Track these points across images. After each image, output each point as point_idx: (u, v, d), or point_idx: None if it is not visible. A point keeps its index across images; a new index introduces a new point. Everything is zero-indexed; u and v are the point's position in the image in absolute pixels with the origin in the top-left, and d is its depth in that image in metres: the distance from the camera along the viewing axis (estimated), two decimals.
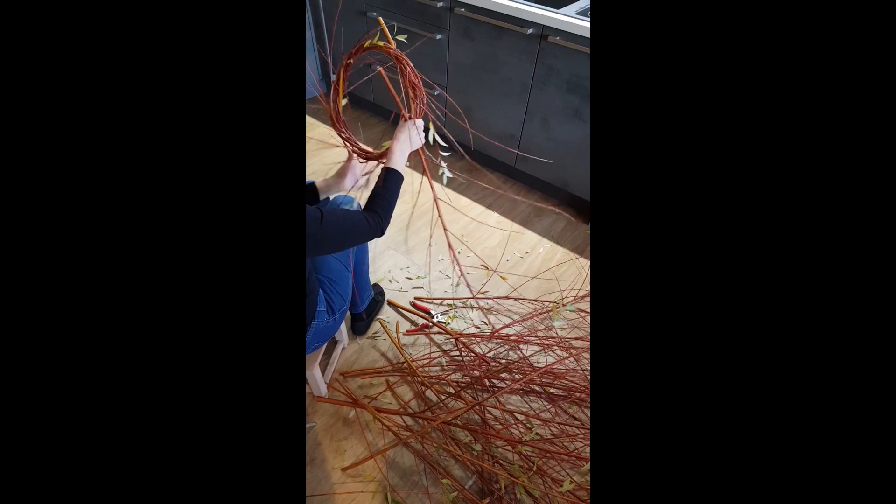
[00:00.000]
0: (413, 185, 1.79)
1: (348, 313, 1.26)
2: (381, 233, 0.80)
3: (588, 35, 1.25)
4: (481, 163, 1.92)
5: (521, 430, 1.05)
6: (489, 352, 1.23)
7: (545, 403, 1.12)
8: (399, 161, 0.87)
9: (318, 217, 0.71)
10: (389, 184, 0.84)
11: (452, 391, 1.12)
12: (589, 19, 1.27)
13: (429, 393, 1.13)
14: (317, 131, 2.08)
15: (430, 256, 1.51)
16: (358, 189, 1.00)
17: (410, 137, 0.90)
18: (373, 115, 2.21)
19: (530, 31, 1.36)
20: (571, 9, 1.34)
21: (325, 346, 1.05)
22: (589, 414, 1.11)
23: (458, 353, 1.23)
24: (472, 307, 1.36)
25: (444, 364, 1.21)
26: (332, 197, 1.09)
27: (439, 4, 1.51)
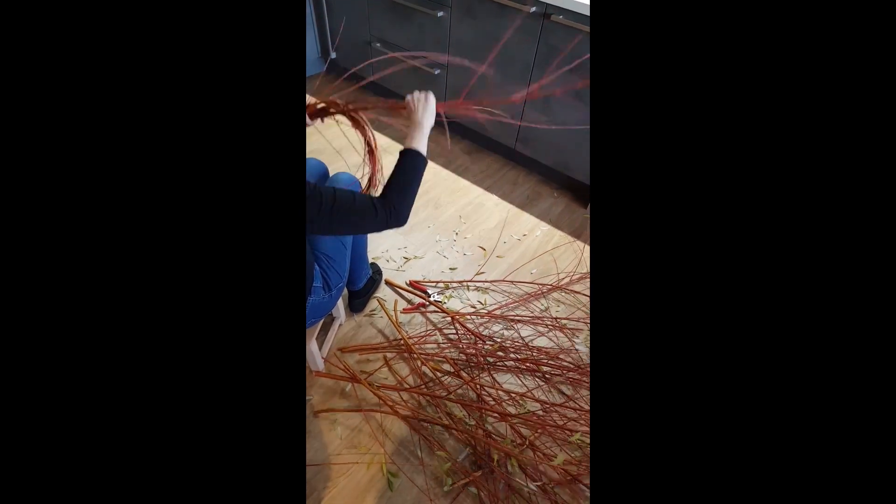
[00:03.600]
0: None
1: (345, 291, 1.26)
2: (397, 222, 0.71)
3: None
4: (481, 144, 1.91)
5: (516, 407, 1.08)
6: (484, 331, 1.24)
7: (539, 382, 1.14)
8: (420, 139, 0.76)
9: (328, 198, 0.66)
10: (408, 166, 0.73)
11: (448, 367, 1.14)
12: None
13: (425, 370, 1.15)
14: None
15: (429, 237, 1.52)
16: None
17: (426, 112, 0.79)
18: (372, 94, 2.18)
19: (533, 9, 1.34)
20: None
21: (321, 323, 1.07)
22: (580, 393, 1.13)
23: (454, 331, 1.24)
24: (468, 288, 1.37)
25: (441, 342, 1.23)
26: (332, 175, 1.08)
27: None
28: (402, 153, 0.75)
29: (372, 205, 0.70)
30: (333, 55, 2.13)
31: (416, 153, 0.75)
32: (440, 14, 1.58)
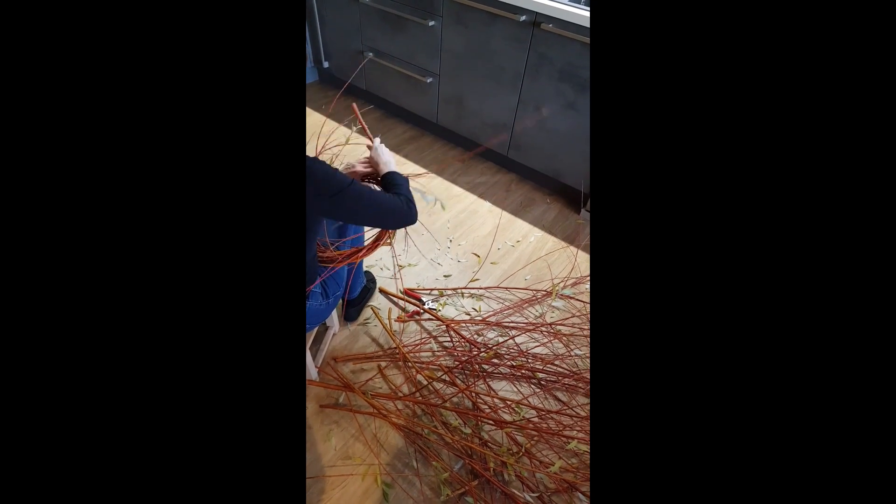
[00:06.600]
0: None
1: (340, 300, 1.26)
2: (413, 219, 0.83)
3: (580, 23, 1.25)
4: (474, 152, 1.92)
5: (512, 415, 1.07)
6: (479, 338, 1.24)
7: (535, 389, 1.14)
8: (391, 166, 0.92)
9: (361, 192, 0.75)
10: (396, 179, 0.87)
11: (443, 375, 1.13)
12: (581, 6, 1.27)
13: (419, 378, 1.14)
14: (309, 119, 2.06)
15: (423, 244, 1.52)
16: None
17: (383, 156, 0.95)
18: (365, 101, 2.19)
19: (523, 18, 1.36)
20: None
21: (315, 331, 1.06)
22: (575, 399, 1.12)
23: (448, 339, 1.24)
24: (462, 295, 1.37)
25: (435, 349, 1.22)
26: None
27: None
28: (383, 177, 0.89)
29: (400, 201, 0.81)
30: (326, 64, 2.14)
31: (394, 172, 0.90)
32: (431, 23, 1.59)
